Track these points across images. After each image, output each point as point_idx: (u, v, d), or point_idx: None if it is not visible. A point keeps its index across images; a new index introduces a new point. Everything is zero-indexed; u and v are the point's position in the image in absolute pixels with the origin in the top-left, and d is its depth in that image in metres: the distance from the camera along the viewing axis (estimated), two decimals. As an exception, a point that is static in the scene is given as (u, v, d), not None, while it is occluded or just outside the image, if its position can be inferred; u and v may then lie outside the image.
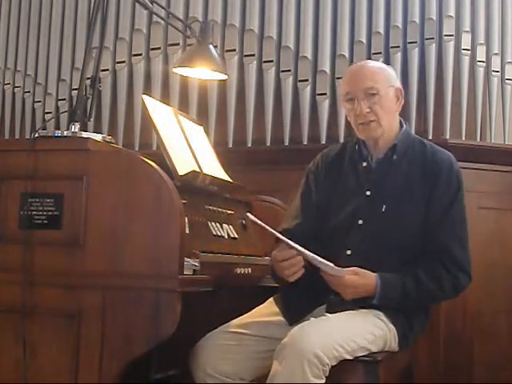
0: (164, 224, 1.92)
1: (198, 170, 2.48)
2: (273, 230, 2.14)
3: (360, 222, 2.27)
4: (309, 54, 3.77)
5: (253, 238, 2.72)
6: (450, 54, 3.56)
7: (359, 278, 2.15)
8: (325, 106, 3.73)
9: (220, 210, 2.55)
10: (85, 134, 2.12)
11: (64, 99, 4.26)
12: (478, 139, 3.57)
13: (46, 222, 2.03)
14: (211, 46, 2.85)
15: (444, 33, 3.57)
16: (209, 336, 2.21)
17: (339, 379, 2.04)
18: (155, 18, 3.92)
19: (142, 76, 4.04)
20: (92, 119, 2.39)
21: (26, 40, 4.44)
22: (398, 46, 3.63)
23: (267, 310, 2.30)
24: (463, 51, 3.57)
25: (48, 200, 2.04)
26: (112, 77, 4.13)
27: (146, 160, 1.99)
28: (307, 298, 2.22)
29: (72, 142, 2.10)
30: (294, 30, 3.82)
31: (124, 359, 1.93)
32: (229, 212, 2.62)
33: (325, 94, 3.73)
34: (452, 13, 3.59)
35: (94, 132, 2.19)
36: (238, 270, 2.33)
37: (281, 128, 3.78)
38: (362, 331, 2.10)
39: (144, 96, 2.51)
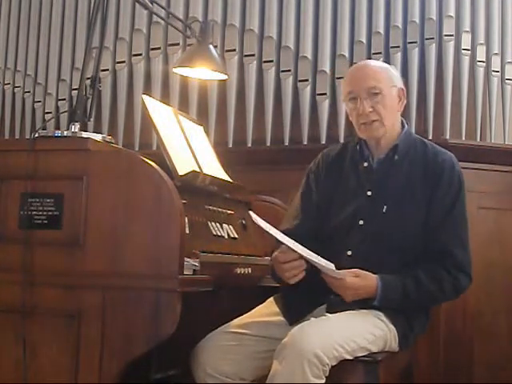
0: (164, 224, 1.92)
1: (198, 170, 2.48)
2: (274, 232, 2.13)
3: (361, 222, 2.27)
4: (309, 54, 3.77)
5: (253, 238, 2.72)
6: (449, 54, 3.56)
7: (360, 280, 2.14)
8: (325, 106, 3.73)
9: (220, 209, 2.55)
10: (85, 134, 2.12)
11: (64, 99, 4.26)
12: (478, 139, 3.57)
13: (45, 222, 2.03)
14: (211, 46, 2.85)
15: (444, 33, 3.57)
16: (209, 336, 2.21)
17: (339, 379, 2.04)
18: (155, 17, 3.92)
19: (142, 76, 4.05)
20: (92, 119, 2.38)
21: (26, 40, 4.44)
22: (398, 46, 3.63)
23: (267, 310, 2.30)
24: (463, 51, 3.57)
25: (48, 200, 2.04)
26: (112, 77, 4.13)
27: (146, 160, 1.99)
28: (307, 297, 2.22)
29: (72, 142, 2.10)
30: (294, 30, 3.82)
31: (124, 359, 1.93)
32: (229, 212, 2.62)
33: (325, 94, 3.73)
34: (452, 13, 3.59)
35: (94, 132, 2.19)
36: (238, 270, 2.33)
37: (281, 128, 3.78)
38: (362, 331, 2.10)
39: (144, 96, 2.51)
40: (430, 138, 3.45)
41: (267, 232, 2.13)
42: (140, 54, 4.06)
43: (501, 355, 3.42)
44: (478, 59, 3.57)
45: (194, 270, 1.98)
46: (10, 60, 4.47)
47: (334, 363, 2.00)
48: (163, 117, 2.53)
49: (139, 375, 2.27)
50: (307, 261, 2.13)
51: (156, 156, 2.18)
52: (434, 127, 3.56)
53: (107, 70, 4.09)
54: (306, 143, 3.74)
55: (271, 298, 2.36)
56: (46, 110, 4.32)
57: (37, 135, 2.12)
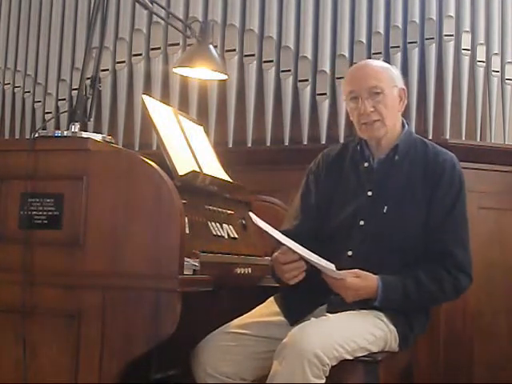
0: (164, 224, 1.92)
1: (198, 170, 2.48)
2: (274, 233, 2.13)
3: (361, 222, 2.27)
4: (309, 54, 3.77)
5: (253, 238, 2.72)
6: (450, 54, 3.56)
7: (361, 281, 2.14)
8: (325, 105, 3.73)
9: (220, 209, 2.55)
10: (85, 134, 2.12)
11: (64, 99, 4.26)
12: (478, 139, 3.57)
13: (45, 222, 2.03)
14: (211, 46, 2.85)
15: (444, 33, 3.57)
16: (209, 337, 2.21)
17: (339, 379, 2.04)
18: (155, 17, 3.92)
19: (142, 76, 4.05)
20: (92, 119, 2.38)
21: (26, 40, 4.44)
22: (398, 46, 3.63)
23: (267, 310, 2.30)
24: (463, 51, 3.57)
25: (48, 200, 2.04)
26: (112, 77, 4.13)
27: (146, 160, 1.99)
28: (308, 298, 2.22)
29: (72, 142, 2.10)
30: (294, 30, 3.82)
31: (124, 359, 1.93)
32: (229, 212, 2.62)
33: (325, 94, 3.73)
34: (452, 13, 3.59)
35: (94, 132, 2.19)
36: (238, 270, 2.32)
37: (281, 128, 3.78)
38: (363, 331, 2.10)
39: (144, 96, 2.51)
40: (430, 137, 3.45)
41: (267, 233, 2.12)
42: (140, 54, 4.07)
43: (501, 355, 3.42)
44: (477, 59, 3.57)
45: (194, 270, 1.98)
46: (10, 60, 4.47)
47: (334, 363, 2.00)
48: (163, 117, 2.53)
49: (139, 375, 2.27)
50: (307, 261, 2.13)
51: (156, 156, 2.18)
52: (434, 127, 3.56)
53: (107, 70, 4.09)
54: (305, 143, 3.74)
55: (271, 298, 2.36)
56: (46, 110, 4.32)
57: (37, 135, 2.12)
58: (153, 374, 2.40)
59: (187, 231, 2.07)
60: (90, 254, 1.97)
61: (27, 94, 4.40)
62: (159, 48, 4.03)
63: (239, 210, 2.72)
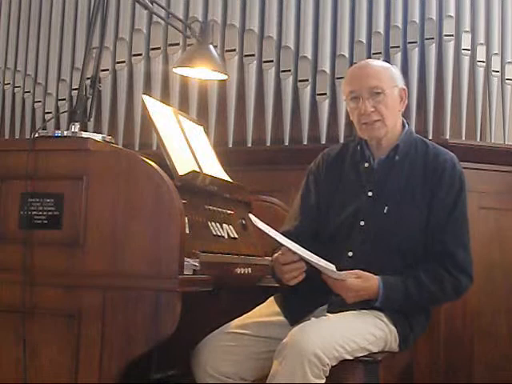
0: (164, 224, 1.92)
1: (198, 170, 2.48)
2: (274, 234, 2.12)
3: (362, 223, 2.26)
4: (309, 53, 3.77)
5: (253, 238, 2.72)
6: (449, 54, 3.56)
7: (362, 282, 2.14)
8: (325, 105, 3.73)
9: (220, 209, 2.54)
10: (85, 134, 2.12)
11: (64, 99, 4.26)
12: (478, 139, 3.57)
13: (45, 222, 2.03)
14: (211, 46, 2.84)
15: (444, 33, 3.58)
16: (209, 337, 2.21)
17: (339, 379, 2.04)
18: (155, 18, 3.92)
19: (142, 76, 4.05)
20: (92, 119, 2.39)
21: (25, 40, 4.44)
22: (398, 46, 3.63)
23: (268, 310, 2.30)
24: (463, 51, 3.57)
25: (48, 200, 2.04)
26: (112, 77, 4.14)
27: (146, 160, 1.99)
28: (308, 298, 2.22)
29: (72, 142, 2.09)
30: (294, 30, 3.83)
31: (124, 359, 1.93)
32: (229, 212, 2.62)
33: (325, 94, 3.73)
34: (452, 13, 3.59)
35: (94, 132, 2.19)
36: (238, 270, 2.32)
37: (281, 128, 3.78)
38: (363, 332, 2.10)
39: (144, 96, 2.51)
40: (430, 138, 3.45)
41: (267, 234, 2.12)
42: (140, 54, 4.07)
43: (501, 355, 3.43)
44: (477, 59, 3.57)
45: (194, 270, 1.98)
46: (10, 60, 4.47)
47: (334, 363, 2.00)
48: (163, 117, 2.53)
49: (139, 375, 2.27)
50: (308, 262, 2.13)
51: (156, 156, 2.18)
52: (434, 127, 3.56)
53: (107, 70, 4.10)
54: (305, 143, 3.74)
55: (271, 298, 2.36)
56: (46, 110, 4.32)
57: (37, 135, 2.12)
58: (153, 374, 2.40)
59: (187, 231, 2.07)
60: (90, 254, 1.97)
61: (27, 93, 4.40)
62: (159, 48, 4.04)
63: (239, 210, 2.72)
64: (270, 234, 2.12)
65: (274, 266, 2.22)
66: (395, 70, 2.37)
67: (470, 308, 3.37)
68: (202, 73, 2.96)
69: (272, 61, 3.82)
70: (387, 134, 2.30)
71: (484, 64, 3.58)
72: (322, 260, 2.10)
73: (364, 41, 3.69)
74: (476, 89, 3.58)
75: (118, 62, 4.11)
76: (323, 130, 3.72)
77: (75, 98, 2.30)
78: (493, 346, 3.42)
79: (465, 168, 2.35)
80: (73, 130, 2.18)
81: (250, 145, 3.82)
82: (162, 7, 3.17)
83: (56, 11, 4.36)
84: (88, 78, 2.30)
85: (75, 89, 4.09)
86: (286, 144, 3.77)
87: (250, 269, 2.40)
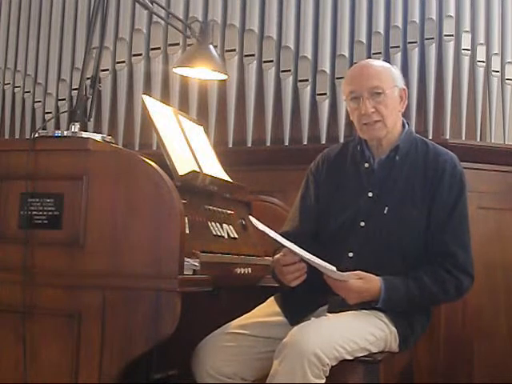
0: (164, 224, 1.92)
1: (198, 170, 2.48)
2: (275, 235, 2.13)
3: (362, 223, 2.26)
4: (309, 53, 3.77)
5: (253, 238, 2.72)
6: (449, 54, 3.56)
7: (364, 283, 2.13)
8: (325, 105, 3.73)
9: (220, 209, 2.55)
10: (85, 134, 2.12)
11: (64, 99, 4.26)
12: (478, 139, 3.57)
13: (46, 222, 2.03)
14: (211, 46, 2.85)
15: (444, 33, 3.57)
16: (209, 337, 2.21)
17: (339, 379, 2.04)
18: (155, 18, 3.92)
19: (142, 76, 4.05)
20: (92, 119, 2.38)
21: (25, 40, 4.44)
22: (398, 46, 3.63)
23: (268, 310, 2.30)
24: (463, 51, 3.56)
25: (48, 200, 2.04)
26: (112, 77, 4.13)
27: (146, 160, 1.99)
28: (309, 298, 2.22)
29: (72, 142, 2.10)
30: (294, 30, 3.82)
31: (124, 359, 1.93)
32: (229, 212, 2.62)
33: (325, 94, 3.73)
34: (452, 13, 3.59)
35: (93, 132, 2.19)
36: (238, 270, 2.32)
37: (281, 128, 3.78)
38: (363, 332, 2.10)
39: (144, 96, 2.51)
40: (430, 138, 3.45)
41: (268, 236, 2.12)
42: (140, 54, 4.07)
43: (501, 355, 3.42)
44: (477, 59, 3.57)
45: (194, 270, 1.98)
46: (10, 60, 4.47)
47: (334, 363, 2.00)
48: (163, 117, 2.53)
49: (139, 375, 2.27)
50: (309, 263, 2.13)
51: (156, 156, 2.18)
52: (434, 127, 3.56)
53: (107, 70, 4.10)
54: (305, 143, 3.74)
55: (272, 298, 2.36)
56: (46, 110, 4.32)
57: (37, 135, 2.12)
58: (153, 374, 2.40)
59: (187, 231, 2.07)
60: (90, 253, 1.97)
61: (27, 94, 4.40)
62: (159, 48, 4.03)
63: (239, 210, 2.72)
64: (271, 235, 2.12)
65: (275, 268, 2.22)
66: (395, 71, 2.36)
67: (470, 308, 3.37)
68: (202, 73, 2.96)
69: (272, 61, 3.82)
70: (387, 134, 2.29)
71: (484, 64, 3.58)
72: (323, 261, 2.10)
73: (364, 41, 3.69)
74: (476, 89, 3.57)
75: (118, 62, 4.11)
76: (323, 130, 3.72)
77: (75, 98, 2.30)
78: (493, 346, 3.42)
79: (465, 168, 2.35)
80: (73, 130, 2.18)
81: (249, 145, 3.81)
82: (162, 7, 3.17)
83: (56, 11, 4.35)
84: (88, 78, 2.30)
85: (75, 89, 4.09)
86: (286, 144, 3.77)
87: (249, 269, 2.40)
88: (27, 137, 4.16)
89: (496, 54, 3.60)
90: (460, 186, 2.28)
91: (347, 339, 2.04)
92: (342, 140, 3.60)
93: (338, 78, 3.67)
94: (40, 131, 2.15)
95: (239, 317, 2.28)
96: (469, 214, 2.30)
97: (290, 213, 2.49)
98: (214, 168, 2.74)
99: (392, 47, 3.64)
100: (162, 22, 3.92)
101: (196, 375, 2.18)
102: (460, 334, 3.38)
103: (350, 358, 2.05)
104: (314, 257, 2.09)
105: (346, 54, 3.71)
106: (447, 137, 3.52)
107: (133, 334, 1.92)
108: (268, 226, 2.14)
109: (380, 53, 3.64)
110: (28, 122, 4.37)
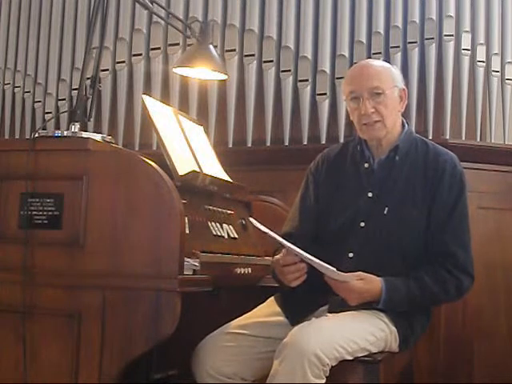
0: (164, 224, 1.92)
1: (198, 170, 2.48)
2: (276, 236, 2.13)
3: (362, 224, 2.26)
4: (309, 53, 3.77)
5: (253, 238, 2.72)
6: (450, 54, 3.56)
7: (365, 284, 2.13)
8: (325, 105, 3.73)
9: (220, 209, 2.55)
10: (85, 134, 2.12)
11: (64, 99, 4.26)
12: (478, 139, 3.57)
13: (46, 222, 2.03)
14: (211, 46, 2.85)
15: (444, 33, 3.57)
16: (209, 337, 2.21)
17: (339, 379, 2.04)
18: (155, 18, 3.92)
19: (142, 76, 4.05)
20: (92, 119, 2.38)
21: (25, 40, 4.44)
22: (398, 46, 3.63)
23: (268, 310, 2.30)
24: (463, 51, 3.56)
25: (48, 200, 2.04)
26: (112, 77, 4.13)
27: (146, 160, 1.99)
28: (309, 298, 2.22)
29: (72, 142, 2.10)
30: (294, 30, 3.82)
31: (124, 359, 1.93)
32: (229, 212, 2.62)
33: (325, 94, 3.73)
34: (452, 13, 3.59)
35: (94, 132, 2.19)
36: (238, 270, 2.32)
37: (281, 128, 3.78)
38: (363, 332, 2.10)
39: (144, 96, 2.52)
40: (430, 138, 3.45)
41: (269, 236, 2.12)
42: (140, 54, 4.07)
43: (501, 355, 3.42)
44: (478, 59, 3.57)
45: (194, 270, 1.98)
46: (10, 60, 4.47)
47: (335, 363, 2.00)
48: (163, 117, 2.53)
49: (139, 375, 2.27)
50: (309, 264, 2.12)
51: (156, 156, 2.18)
52: (434, 127, 3.56)
53: (107, 70, 4.10)
54: (305, 143, 3.74)
55: (272, 298, 2.36)
56: (46, 110, 4.32)
57: (37, 135, 2.12)
58: (153, 374, 2.40)
59: (187, 231, 2.07)
60: (90, 253, 1.97)
61: (27, 94, 4.40)
62: (159, 48, 4.03)
63: (239, 210, 2.72)
64: (272, 236, 2.12)
65: (275, 268, 2.22)
66: (395, 71, 2.36)
67: (470, 308, 3.37)
68: (202, 73, 2.96)
69: (272, 61, 3.82)
70: (387, 134, 2.29)
71: (484, 64, 3.58)
72: (323, 263, 2.09)
73: (364, 41, 3.69)
74: (476, 89, 3.57)
75: (118, 62, 4.11)
76: (323, 130, 3.72)
77: (75, 98, 2.30)
78: (493, 346, 3.42)
79: (465, 168, 2.35)
80: (73, 129, 2.18)
81: (249, 145, 3.81)
82: (162, 7, 3.17)
83: (56, 11, 4.35)
84: (88, 78, 2.30)
85: (75, 89, 4.09)
86: (286, 144, 3.77)
87: (249, 269, 2.40)
88: (27, 137, 4.16)
89: (496, 54, 3.60)
90: (460, 185, 2.27)
91: (347, 339, 2.04)
92: (342, 140, 3.60)
93: (338, 78, 3.67)
94: (40, 131, 2.15)
95: (239, 317, 2.28)
96: (469, 213, 2.30)
97: (289, 213, 2.49)
98: (214, 168, 2.74)
99: (392, 47, 3.64)
100: (162, 22, 3.92)
101: (196, 375, 2.18)
102: (460, 333, 3.38)
103: (350, 358, 2.05)
104: (315, 258, 2.09)
105: (346, 54, 3.71)
106: (447, 137, 3.52)
107: (133, 334, 1.92)
108: (268, 227, 2.14)
109: (380, 53, 3.64)
110: (28, 122, 4.37)
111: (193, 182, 2.36)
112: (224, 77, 3.03)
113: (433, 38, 3.58)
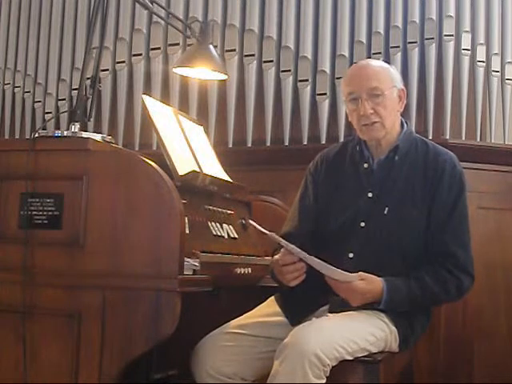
0: (164, 224, 1.92)
1: (198, 170, 2.48)
2: (275, 236, 2.13)
3: (362, 224, 2.26)
4: (309, 53, 3.77)
5: (253, 238, 2.72)
6: (449, 54, 3.56)
7: (367, 284, 2.13)
8: (325, 105, 3.73)
9: (220, 210, 2.55)
10: (85, 134, 2.12)
11: (64, 99, 4.26)
12: (478, 139, 3.57)
13: (46, 222, 2.03)
14: (211, 46, 2.84)
15: (444, 33, 3.57)
16: (209, 337, 2.21)
17: (339, 379, 2.04)
18: (155, 18, 3.92)
19: (142, 76, 4.05)
20: (92, 119, 2.38)
21: (25, 40, 4.44)
22: (398, 46, 3.63)
23: (268, 310, 2.30)
24: (463, 51, 3.56)
25: (48, 200, 2.04)
26: (112, 77, 4.13)
27: (146, 160, 1.99)
28: (309, 298, 2.22)
29: (72, 142, 2.10)
30: (294, 30, 3.82)
31: (124, 359, 1.93)
32: (229, 212, 2.62)
33: (325, 94, 3.73)
34: (452, 13, 3.59)
35: (94, 132, 2.19)
36: (238, 270, 2.32)
37: (281, 128, 3.78)
38: (364, 332, 2.10)
39: (144, 96, 2.52)
40: (430, 138, 3.45)
41: (269, 236, 2.12)
42: (140, 54, 4.07)
43: (501, 355, 3.42)
44: (478, 59, 3.57)
45: (194, 270, 1.98)
46: (10, 60, 4.47)
47: (335, 364, 2.00)
48: (163, 117, 2.53)
49: (139, 375, 2.27)
50: (309, 264, 2.12)
51: (156, 156, 2.18)
52: (434, 127, 3.56)
53: (107, 70, 4.09)
54: (305, 143, 3.74)
55: (272, 298, 2.36)
56: (46, 110, 4.32)
57: (37, 135, 2.12)
58: (153, 374, 2.40)
59: (187, 231, 2.07)
60: (90, 253, 1.97)
61: (27, 94, 4.40)
62: (159, 48, 4.03)
63: (239, 210, 2.72)
64: (272, 236, 2.12)
65: (274, 268, 2.22)
66: (394, 71, 2.36)
67: (470, 308, 3.37)
68: (202, 73, 2.96)
69: (272, 61, 3.82)
70: (386, 134, 2.29)
71: (484, 64, 3.58)
72: (326, 264, 2.09)
73: (364, 41, 3.69)
74: (476, 89, 3.57)
75: (118, 62, 4.11)
76: (323, 130, 3.72)
77: (75, 98, 2.30)
78: (493, 346, 3.42)
79: (464, 168, 2.35)
80: (73, 129, 2.18)
81: (249, 145, 3.81)
82: (162, 7, 3.17)
83: (56, 11, 4.35)
84: (88, 78, 2.30)
85: (75, 89, 4.09)
86: (286, 144, 3.77)
87: (249, 269, 2.40)
88: (27, 137, 4.16)
89: (496, 54, 3.60)
90: (460, 185, 2.28)
91: (348, 339, 2.04)
92: (342, 140, 3.60)
93: (337, 78, 3.67)
94: (40, 131, 2.15)
95: (239, 317, 2.28)
96: (469, 213, 2.30)
97: (289, 213, 2.49)
98: (214, 168, 2.74)
99: (392, 47, 3.64)
100: (162, 22, 3.92)
101: (196, 375, 2.18)
102: (460, 333, 3.38)
103: (350, 358, 2.05)
104: (316, 259, 2.09)
105: (346, 54, 3.71)
106: (447, 137, 3.52)
107: (133, 334, 1.92)
108: (268, 227, 2.14)
109: (380, 53, 3.64)
110: (28, 122, 4.37)
111: (193, 182, 2.36)
112: (224, 77, 3.03)
113: (433, 38, 3.58)
